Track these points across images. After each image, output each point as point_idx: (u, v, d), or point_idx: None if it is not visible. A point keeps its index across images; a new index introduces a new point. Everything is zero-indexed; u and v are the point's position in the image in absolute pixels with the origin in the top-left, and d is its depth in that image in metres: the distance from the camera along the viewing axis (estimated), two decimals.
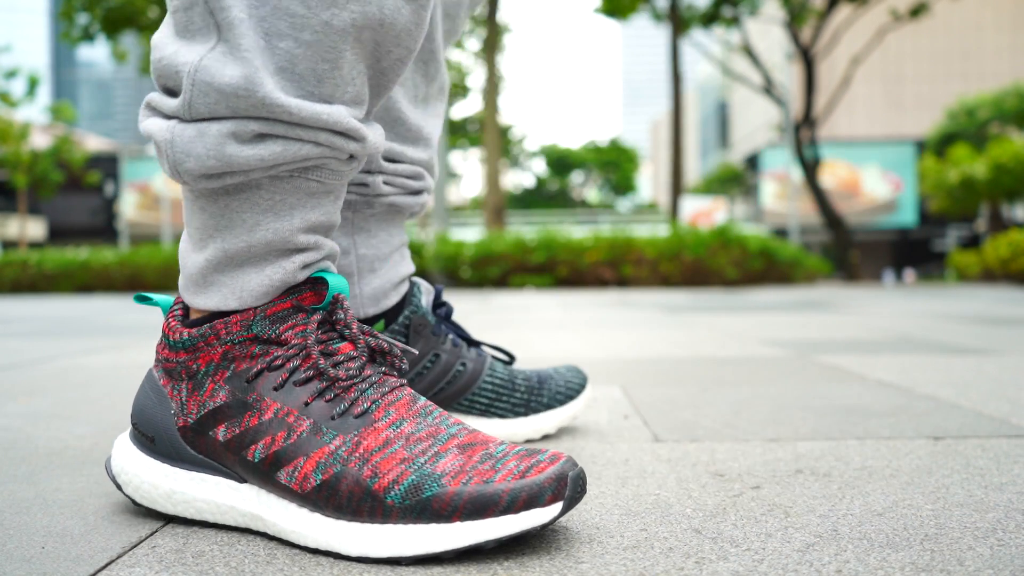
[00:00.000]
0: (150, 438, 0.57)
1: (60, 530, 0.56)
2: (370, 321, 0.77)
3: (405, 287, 0.79)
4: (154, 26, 12.77)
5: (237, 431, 0.53)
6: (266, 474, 0.52)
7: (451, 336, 0.80)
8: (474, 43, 17.73)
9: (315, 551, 0.51)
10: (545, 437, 0.85)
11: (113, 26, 12.29)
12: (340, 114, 0.52)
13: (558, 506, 0.48)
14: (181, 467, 0.56)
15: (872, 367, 1.46)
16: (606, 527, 0.55)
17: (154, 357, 0.56)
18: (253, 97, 0.49)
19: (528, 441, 0.83)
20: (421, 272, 8.32)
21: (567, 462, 0.50)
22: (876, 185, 20.12)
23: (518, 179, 32.94)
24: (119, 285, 8.43)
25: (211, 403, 0.54)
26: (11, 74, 18.51)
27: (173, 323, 0.58)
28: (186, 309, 0.59)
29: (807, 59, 11.38)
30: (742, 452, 0.78)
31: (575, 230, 8.83)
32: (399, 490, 0.49)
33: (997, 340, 2.02)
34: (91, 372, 1.52)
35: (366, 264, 0.76)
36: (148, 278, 8.37)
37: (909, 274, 17.19)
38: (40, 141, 20.08)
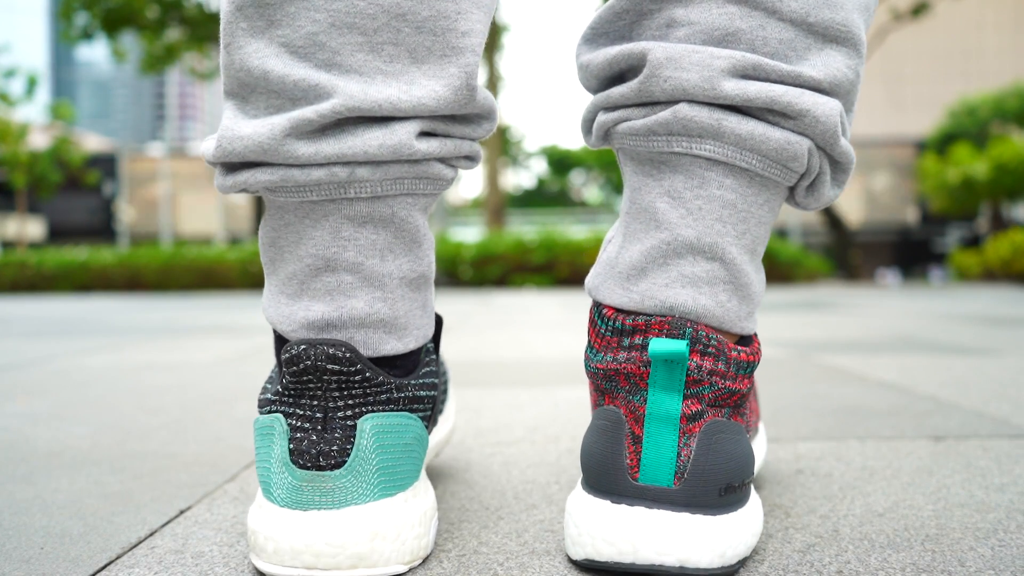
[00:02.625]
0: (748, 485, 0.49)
1: (59, 531, 0.56)
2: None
3: None
4: (153, 26, 12.81)
5: None
6: None
7: None
8: None
9: None
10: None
11: (112, 25, 12.29)
12: None
13: None
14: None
15: (872, 367, 1.46)
16: None
17: (711, 412, 0.47)
18: None
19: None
20: None
21: None
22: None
23: (518, 179, 32.96)
24: (118, 285, 8.43)
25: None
26: (10, 73, 18.50)
27: (736, 348, 0.48)
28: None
29: None
30: None
31: (575, 230, 8.83)
32: None
33: (998, 340, 2.02)
34: (90, 372, 1.52)
35: None
36: (147, 278, 8.37)
37: (892, 273, 17.21)
38: (39, 141, 20.07)
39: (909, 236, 22.03)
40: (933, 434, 0.86)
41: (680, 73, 0.46)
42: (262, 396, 0.50)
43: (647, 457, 0.46)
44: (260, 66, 0.46)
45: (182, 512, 0.60)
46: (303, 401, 0.47)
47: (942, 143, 20.32)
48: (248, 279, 8.28)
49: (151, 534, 0.55)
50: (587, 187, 33.48)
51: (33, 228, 22.33)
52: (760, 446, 0.51)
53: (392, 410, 0.48)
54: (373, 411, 0.47)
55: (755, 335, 0.52)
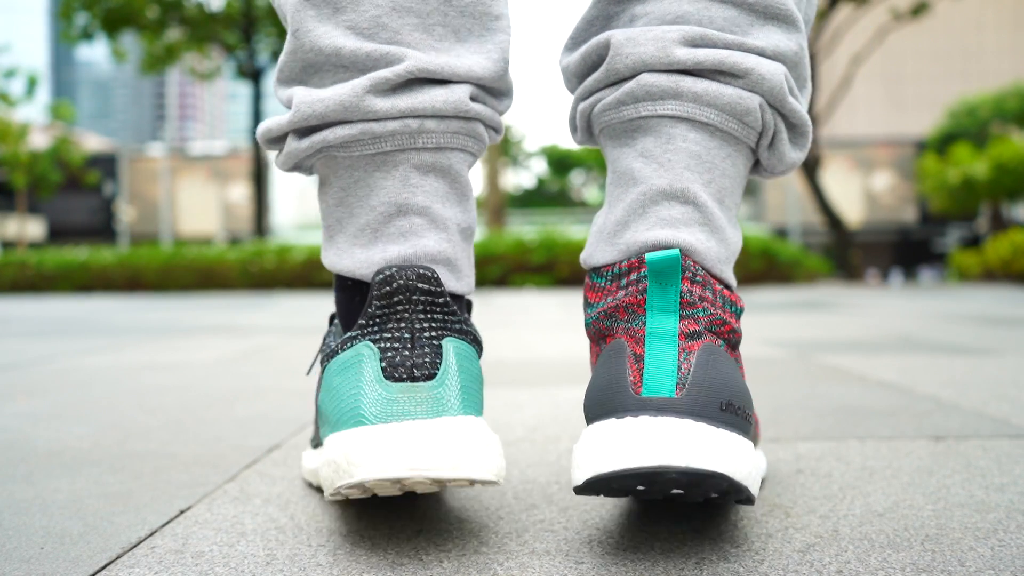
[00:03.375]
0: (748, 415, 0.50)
1: (59, 531, 0.56)
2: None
3: None
4: (153, 26, 12.79)
5: None
6: None
7: None
8: None
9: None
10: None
11: (112, 25, 12.27)
12: None
13: None
14: None
15: (872, 367, 1.46)
16: (606, 527, 0.55)
17: (709, 336, 0.49)
18: None
19: None
20: None
21: None
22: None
23: (518, 179, 32.95)
24: (118, 285, 8.43)
25: None
26: (10, 73, 18.50)
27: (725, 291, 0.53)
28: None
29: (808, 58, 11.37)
30: None
31: (575, 230, 8.82)
32: None
33: (998, 340, 2.02)
34: (90, 372, 1.52)
35: None
36: (147, 278, 8.37)
37: (891, 273, 17.20)
38: (39, 141, 20.07)
39: (909, 236, 22.03)
40: (933, 434, 0.86)
41: (638, 48, 0.54)
42: (330, 347, 0.54)
43: (649, 371, 0.48)
44: (332, 44, 0.53)
45: (182, 512, 0.60)
46: (390, 325, 0.50)
47: (942, 143, 20.30)
48: (248, 279, 8.28)
49: (151, 534, 0.55)
50: (587, 187, 33.46)
51: (33, 228, 22.32)
52: (760, 463, 0.51)
53: (465, 340, 0.52)
54: (452, 336, 0.51)
55: (736, 290, 0.56)
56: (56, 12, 12.17)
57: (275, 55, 14.09)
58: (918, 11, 11.24)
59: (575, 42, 0.61)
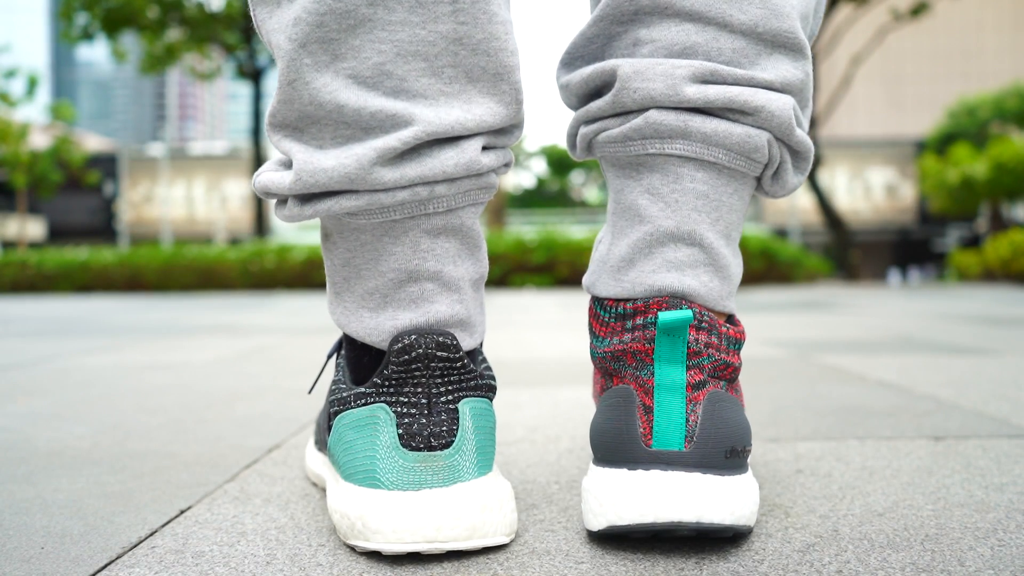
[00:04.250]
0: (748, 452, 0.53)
1: (59, 530, 0.56)
2: None
3: None
4: (154, 26, 12.79)
5: None
6: None
7: None
8: None
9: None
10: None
11: (113, 25, 12.28)
12: None
13: None
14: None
15: (872, 367, 1.46)
16: None
17: (712, 383, 0.51)
18: None
19: None
20: None
21: None
22: None
23: (518, 179, 32.95)
24: (119, 285, 8.43)
25: None
26: (10, 74, 18.50)
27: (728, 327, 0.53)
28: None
29: None
30: None
31: (575, 230, 8.82)
32: None
33: (997, 340, 2.02)
34: (91, 372, 1.52)
35: None
36: (148, 278, 8.37)
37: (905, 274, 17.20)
38: (39, 141, 20.07)
39: (909, 236, 22.02)
40: (933, 434, 0.86)
41: (647, 84, 0.52)
42: (341, 395, 0.54)
43: (658, 424, 0.50)
44: (332, 100, 0.49)
45: (182, 512, 0.60)
46: (406, 389, 0.50)
47: (942, 143, 20.30)
48: (248, 279, 8.29)
49: (151, 534, 0.55)
50: (587, 187, 33.47)
51: (33, 228, 22.32)
52: (756, 490, 0.52)
53: (479, 396, 0.52)
54: (468, 396, 0.52)
55: (737, 319, 0.56)
56: (56, 12, 12.18)
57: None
58: (918, 11, 11.24)
59: (573, 58, 0.59)
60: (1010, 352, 1.72)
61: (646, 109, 0.53)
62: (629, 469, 0.49)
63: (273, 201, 0.54)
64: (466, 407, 0.51)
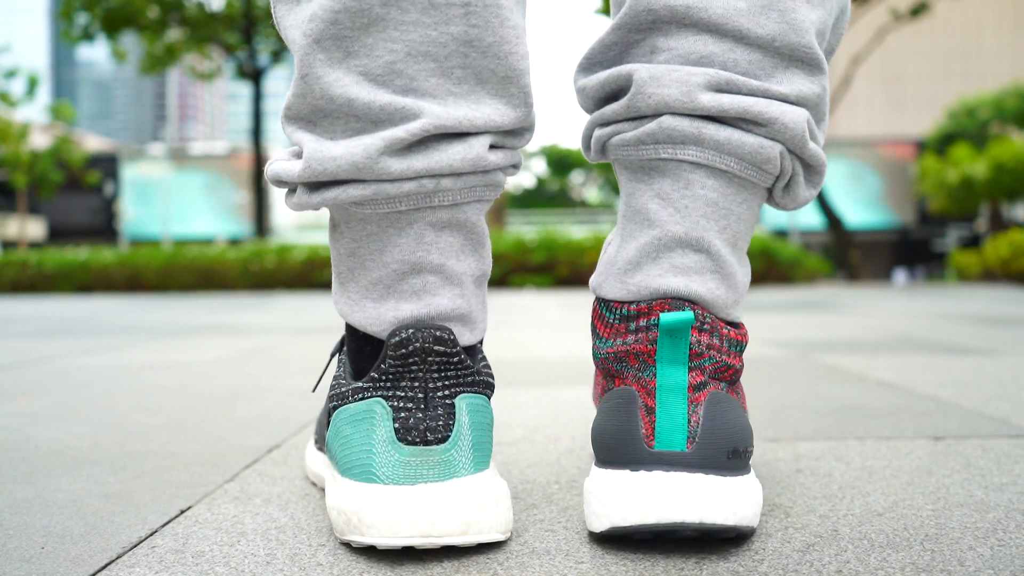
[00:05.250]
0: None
1: (60, 530, 0.56)
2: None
3: None
4: (154, 26, 12.79)
5: None
6: None
7: None
8: None
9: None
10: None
11: (113, 26, 12.28)
12: None
13: None
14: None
15: (872, 367, 1.46)
16: None
17: (713, 384, 0.52)
18: None
19: None
20: None
21: None
22: None
23: (518, 179, 32.95)
24: (119, 285, 8.43)
25: None
26: (11, 74, 18.50)
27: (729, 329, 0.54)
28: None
29: None
30: None
31: (575, 230, 8.82)
32: None
33: (997, 340, 2.02)
34: (91, 372, 1.52)
35: None
36: (148, 278, 8.37)
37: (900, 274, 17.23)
38: (40, 141, 20.07)
39: (908, 236, 22.03)
40: (932, 434, 0.86)
41: (662, 89, 0.53)
42: (340, 390, 0.54)
43: (660, 425, 0.50)
44: (343, 94, 0.50)
45: (182, 512, 0.60)
46: (403, 384, 0.50)
47: (941, 143, 20.31)
48: (248, 279, 8.28)
49: (151, 534, 0.55)
50: (587, 187, 33.46)
51: (34, 228, 22.33)
52: (759, 491, 0.53)
53: (476, 392, 0.52)
54: (465, 391, 0.51)
55: (742, 324, 0.57)
56: (56, 12, 12.18)
57: (275, 55, 14.09)
58: (918, 11, 11.24)
59: (591, 63, 0.60)
60: (1010, 352, 1.72)
61: (660, 114, 0.53)
62: (631, 470, 0.49)
63: (284, 191, 0.55)
64: (463, 403, 0.51)
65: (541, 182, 32.71)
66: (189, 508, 0.61)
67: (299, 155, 0.53)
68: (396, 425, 0.50)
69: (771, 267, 8.19)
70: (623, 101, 0.55)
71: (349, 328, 0.57)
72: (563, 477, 0.69)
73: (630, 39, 0.57)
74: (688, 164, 0.54)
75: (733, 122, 0.53)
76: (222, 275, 8.34)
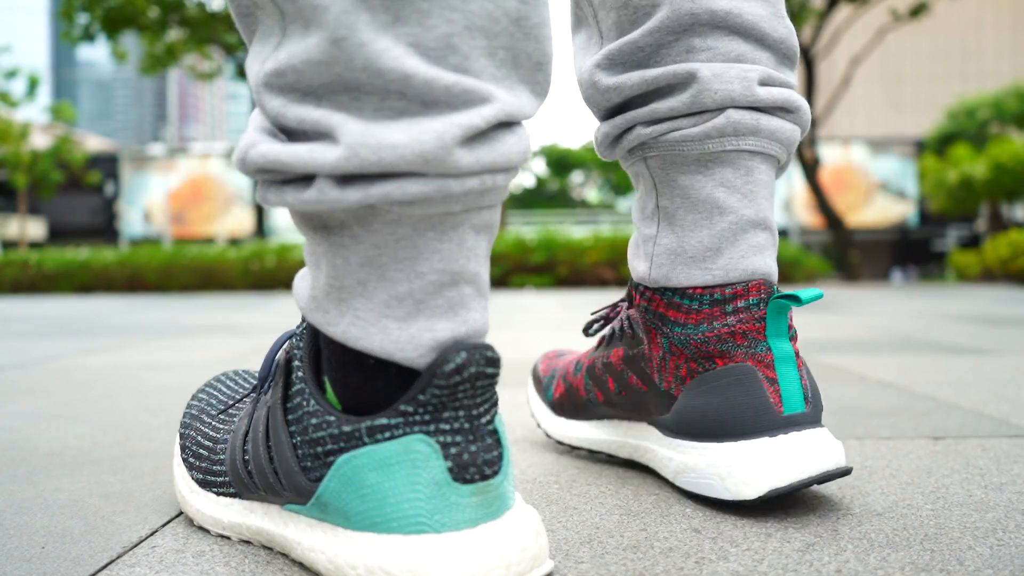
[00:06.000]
0: None
1: (60, 530, 0.56)
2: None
3: None
4: (154, 26, 12.79)
5: None
6: None
7: None
8: None
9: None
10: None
11: (113, 26, 12.29)
12: None
13: None
14: None
15: (872, 367, 1.46)
16: (606, 527, 0.55)
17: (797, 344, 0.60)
18: None
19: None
20: None
21: None
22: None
23: (518, 179, 32.96)
24: (119, 285, 8.43)
25: None
26: (11, 74, 18.51)
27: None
28: None
29: (807, 59, 11.39)
30: None
31: (575, 230, 8.82)
32: None
33: (997, 340, 2.02)
34: (91, 372, 1.52)
35: None
36: (148, 278, 8.38)
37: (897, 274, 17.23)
38: (40, 141, 20.09)
39: (908, 236, 22.03)
40: (932, 434, 0.86)
41: (726, 85, 0.58)
42: (331, 431, 0.45)
43: (785, 392, 0.57)
44: (398, 67, 0.40)
45: (183, 512, 0.60)
46: (446, 414, 0.43)
47: (941, 143, 20.31)
48: (249, 279, 8.29)
49: (152, 533, 0.55)
50: (587, 187, 33.46)
51: (34, 228, 22.33)
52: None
53: (497, 408, 0.47)
54: (495, 410, 0.46)
55: None
56: (56, 12, 12.19)
57: None
58: (917, 12, 11.24)
59: (615, 63, 0.62)
60: (1010, 352, 1.72)
61: (724, 109, 0.58)
62: (770, 436, 0.55)
63: (263, 183, 0.44)
64: (500, 426, 0.45)
65: (541, 182, 32.71)
66: None
67: (277, 135, 0.44)
68: (449, 463, 0.43)
69: None
70: (684, 97, 0.58)
71: (345, 357, 0.46)
72: (563, 476, 0.69)
73: (663, 40, 0.60)
74: (748, 153, 0.60)
75: (772, 111, 0.60)
76: (222, 275, 8.34)
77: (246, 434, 0.52)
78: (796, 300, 0.57)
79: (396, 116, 0.42)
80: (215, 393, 0.63)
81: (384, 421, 0.43)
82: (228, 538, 0.54)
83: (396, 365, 0.45)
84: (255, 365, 1.63)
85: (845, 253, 10.94)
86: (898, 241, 22.25)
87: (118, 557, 0.51)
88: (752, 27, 0.59)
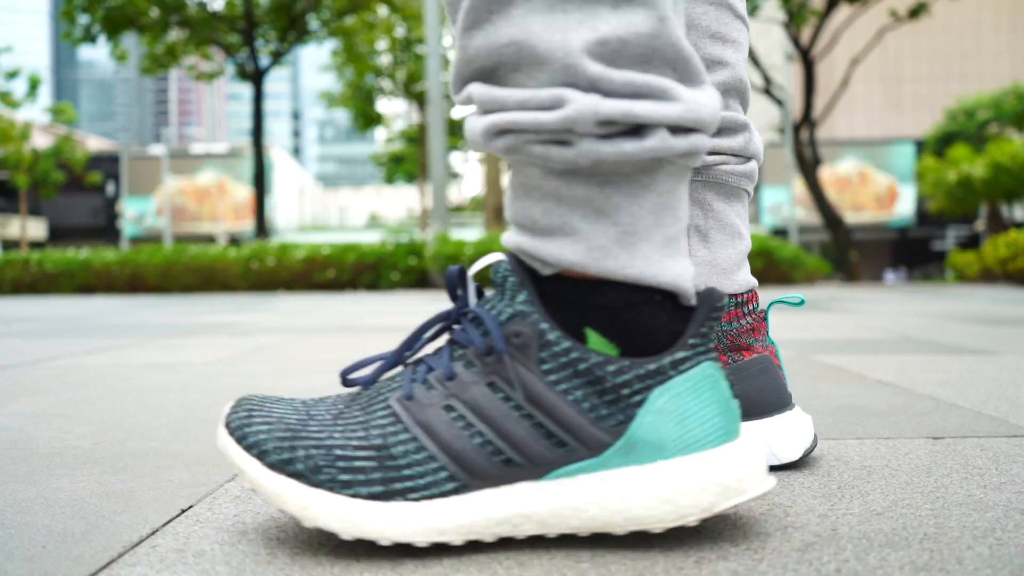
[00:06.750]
0: None
1: (61, 530, 0.56)
2: None
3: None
4: (155, 27, 12.79)
5: None
6: None
7: None
8: None
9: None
10: None
11: (114, 26, 12.29)
12: None
13: None
14: None
15: (872, 367, 1.46)
16: None
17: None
18: None
19: None
20: (421, 272, 8.32)
21: None
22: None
23: None
24: (120, 285, 8.44)
25: None
26: (12, 75, 18.52)
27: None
28: None
29: (806, 60, 11.39)
30: None
31: None
32: None
33: (996, 340, 2.02)
34: (91, 372, 1.52)
35: None
36: (149, 278, 8.38)
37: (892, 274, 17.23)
38: (41, 141, 20.10)
39: (907, 236, 22.02)
40: (931, 433, 0.86)
41: (758, 142, 0.75)
42: (634, 371, 0.49)
43: (784, 377, 0.72)
44: (688, 45, 0.50)
45: (183, 511, 0.61)
46: (711, 344, 0.52)
47: (940, 144, 20.31)
48: (249, 278, 8.29)
49: (152, 533, 0.55)
50: None
51: (35, 228, 22.33)
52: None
53: None
54: None
55: None
56: (57, 13, 12.19)
57: (275, 56, 14.07)
58: (916, 12, 11.24)
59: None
60: (1009, 352, 1.73)
61: (753, 159, 0.74)
62: (790, 410, 0.70)
63: (590, 133, 0.48)
64: None
65: None
66: (190, 507, 0.62)
67: (552, 106, 0.47)
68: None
69: (770, 267, 8.19)
70: (739, 140, 0.72)
71: (631, 295, 0.51)
72: None
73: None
74: (745, 192, 0.76)
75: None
76: (223, 275, 8.34)
77: (457, 419, 0.49)
78: (798, 302, 0.73)
79: (694, 84, 0.50)
80: (283, 415, 0.53)
81: (683, 354, 0.50)
82: (228, 536, 0.54)
83: (672, 301, 0.52)
84: (256, 365, 1.63)
85: (844, 253, 10.93)
86: (897, 241, 22.23)
87: (119, 556, 0.51)
88: (746, 91, 0.76)
